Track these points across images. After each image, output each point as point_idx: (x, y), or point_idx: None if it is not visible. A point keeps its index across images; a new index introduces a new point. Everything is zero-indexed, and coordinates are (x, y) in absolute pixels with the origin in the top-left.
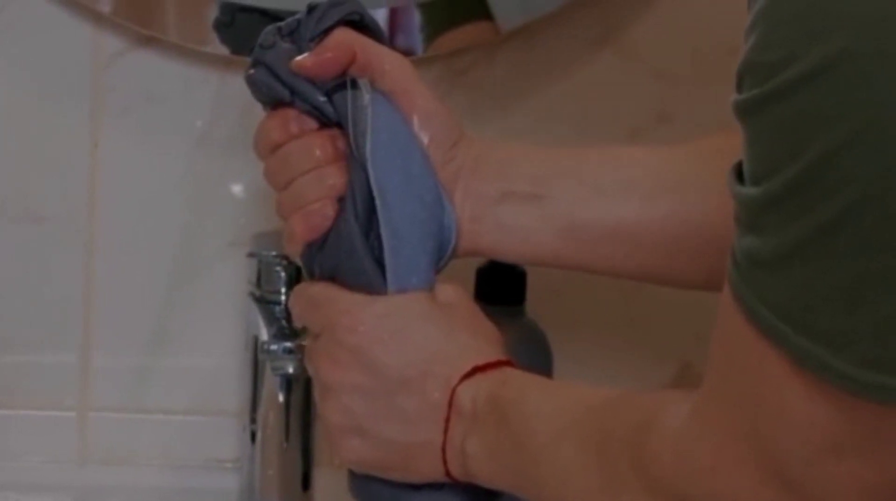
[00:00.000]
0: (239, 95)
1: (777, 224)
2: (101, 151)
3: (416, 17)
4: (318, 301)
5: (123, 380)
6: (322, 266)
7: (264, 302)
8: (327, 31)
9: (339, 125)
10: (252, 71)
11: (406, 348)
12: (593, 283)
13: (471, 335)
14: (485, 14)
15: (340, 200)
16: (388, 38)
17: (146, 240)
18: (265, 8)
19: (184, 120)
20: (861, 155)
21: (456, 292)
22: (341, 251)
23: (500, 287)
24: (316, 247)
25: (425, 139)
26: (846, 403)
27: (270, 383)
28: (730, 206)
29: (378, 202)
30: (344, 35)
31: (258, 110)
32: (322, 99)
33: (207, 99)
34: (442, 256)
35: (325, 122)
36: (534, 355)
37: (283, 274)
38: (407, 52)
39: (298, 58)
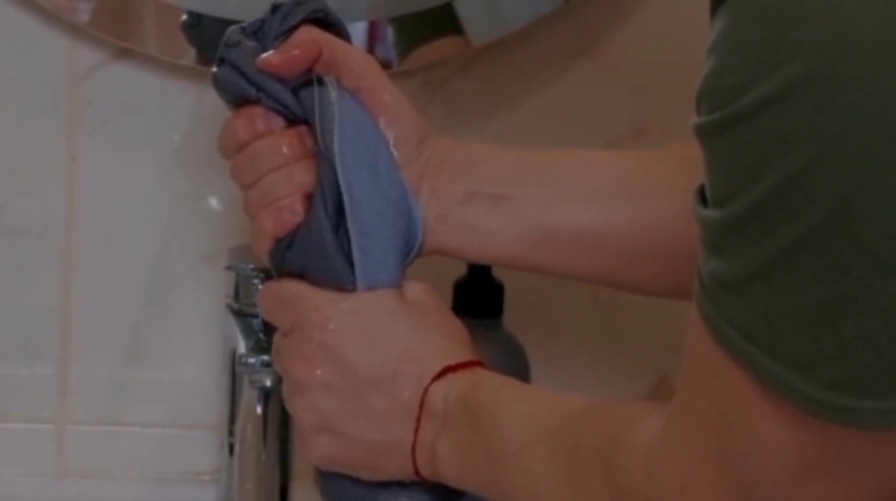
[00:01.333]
0: (216, 108)
1: (740, 246)
2: (78, 164)
3: (390, 32)
4: (286, 299)
5: (101, 393)
6: (292, 263)
7: (242, 315)
8: (292, 30)
9: (306, 122)
10: (217, 69)
11: (376, 346)
12: (570, 296)
13: (441, 335)
14: (455, 29)
15: (308, 197)
16: (350, 35)
17: (124, 252)
18: (229, 19)
19: (161, 133)
20: (823, 178)
21: (425, 291)
22: (311, 248)
23: (478, 300)
24: (284, 244)
25: (391, 136)
26: (811, 424)
27: (248, 396)
28: None
29: (346, 198)
30: (309, 33)
31: None
32: (289, 96)
33: (184, 112)
34: (409, 253)
35: (292, 119)
36: (512, 368)
37: (260, 287)
38: (384, 65)
39: (264, 55)
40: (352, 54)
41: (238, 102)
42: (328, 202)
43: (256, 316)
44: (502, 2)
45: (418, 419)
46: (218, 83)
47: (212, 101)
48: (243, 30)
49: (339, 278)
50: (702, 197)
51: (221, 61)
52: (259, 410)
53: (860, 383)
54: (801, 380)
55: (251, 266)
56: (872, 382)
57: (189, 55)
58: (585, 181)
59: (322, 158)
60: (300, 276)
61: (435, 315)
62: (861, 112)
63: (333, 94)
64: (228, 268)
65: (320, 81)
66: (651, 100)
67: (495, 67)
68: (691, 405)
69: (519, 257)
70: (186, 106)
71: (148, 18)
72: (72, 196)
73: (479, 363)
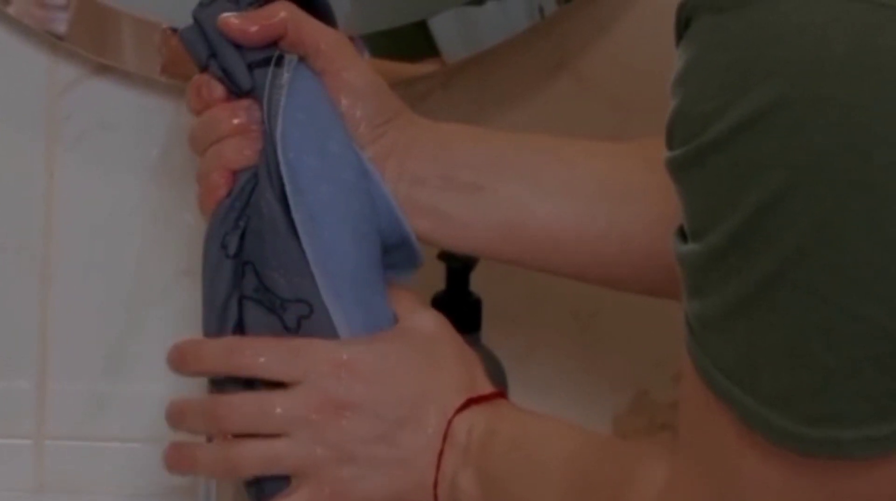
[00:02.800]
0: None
1: (721, 281)
2: (56, 179)
3: (365, 49)
4: (285, 351)
5: (79, 408)
6: (249, 251)
7: None
8: (268, 0)
9: (253, 95)
10: (184, 27)
11: (397, 386)
12: (549, 310)
13: (459, 367)
14: (430, 47)
15: (235, 172)
16: (334, 17)
17: (102, 267)
18: None
19: (139, 149)
20: (800, 202)
21: (436, 322)
22: (265, 231)
23: (456, 315)
24: (218, 220)
25: (355, 115)
26: (800, 462)
27: None
28: (670, 218)
29: (288, 188)
30: (279, 8)
31: None
32: (240, 68)
33: (163, 128)
34: (392, 231)
35: (236, 92)
36: None
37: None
38: None
39: (225, 15)
40: (321, 36)
41: (200, 66)
42: (275, 187)
43: None
44: (477, 20)
45: (441, 453)
46: (181, 41)
47: (190, 117)
48: None
49: (294, 260)
50: (681, 236)
51: (193, 19)
52: None
53: (843, 413)
54: (783, 418)
55: None
56: (856, 411)
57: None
58: (564, 180)
59: (268, 141)
60: (252, 263)
61: (449, 346)
62: (836, 133)
63: (286, 76)
64: None
65: (279, 61)
66: (629, 114)
67: (475, 81)
68: (690, 449)
69: (492, 250)
70: (164, 122)
71: (126, 34)
72: (49, 211)
73: (501, 395)
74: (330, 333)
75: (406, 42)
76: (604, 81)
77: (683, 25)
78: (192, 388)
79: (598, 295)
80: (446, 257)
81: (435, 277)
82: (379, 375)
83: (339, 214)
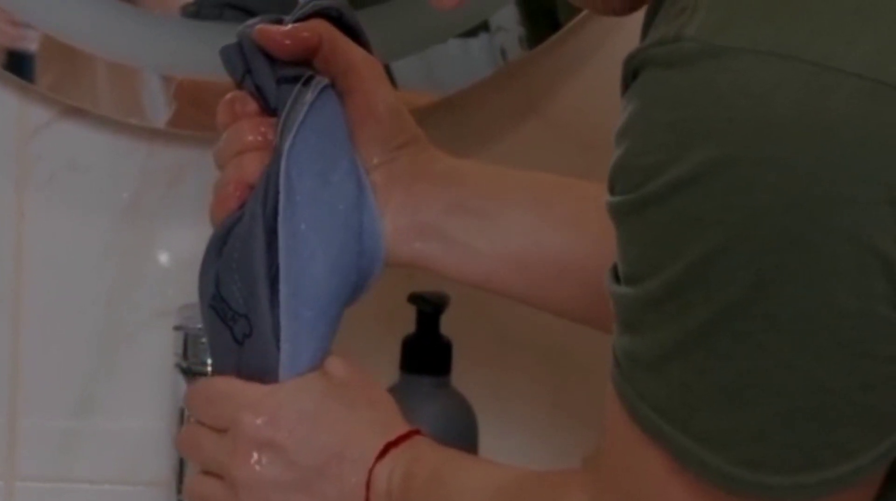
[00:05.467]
0: (166, 166)
1: (656, 324)
2: (27, 220)
3: None
4: (215, 398)
5: (50, 449)
6: (224, 257)
7: (191, 374)
8: (304, 20)
9: (278, 111)
10: (226, 44)
11: (315, 431)
12: (518, 352)
13: (374, 410)
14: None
15: (252, 187)
16: (368, 41)
17: (73, 309)
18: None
19: (110, 190)
20: (739, 258)
21: (347, 367)
22: (238, 239)
23: (426, 358)
24: (222, 231)
25: (371, 137)
26: None
27: None
28: None
29: (282, 200)
30: (315, 24)
31: (185, 181)
32: (271, 84)
33: (134, 170)
34: (367, 264)
35: (268, 109)
36: (459, 425)
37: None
38: None
39: (261, 25)
40: (353, 55)
41: (236, 82)
42: (268, 199)
43: (205, 375)
44: (439, 66)
45: None
46: (221, 57)
47: (162, 159)
48: (272, 19)
49: (253, 278)
50: (615, 275)
51: (238, 37)
52: None
53: (776, 460)
54: (715, 457)
55: (200, 325)
56: (788, 459)
57: (140, 114)
58: (575, 210)
59: (275, 154)
60: (226, 273)
61: (363, 390)
62: (777, 193)
63: (309, 94)
64: (177, 328)
65: (307, 81)
66: (598, 157)
67: (444, 125)
68: (610, 481)
69: (498, 281)
70: (136, 164)
71: (101, 78)
72: (20, 252)
73: (416, 432)
74: (268, 356)
75: None
76: (572, 124)
77: (630, 76)
78: (163, 429)
79: (568, 335)
80: (417, 299)
81: (405, 320)
82: (300, 420)
83: (321, 240)
